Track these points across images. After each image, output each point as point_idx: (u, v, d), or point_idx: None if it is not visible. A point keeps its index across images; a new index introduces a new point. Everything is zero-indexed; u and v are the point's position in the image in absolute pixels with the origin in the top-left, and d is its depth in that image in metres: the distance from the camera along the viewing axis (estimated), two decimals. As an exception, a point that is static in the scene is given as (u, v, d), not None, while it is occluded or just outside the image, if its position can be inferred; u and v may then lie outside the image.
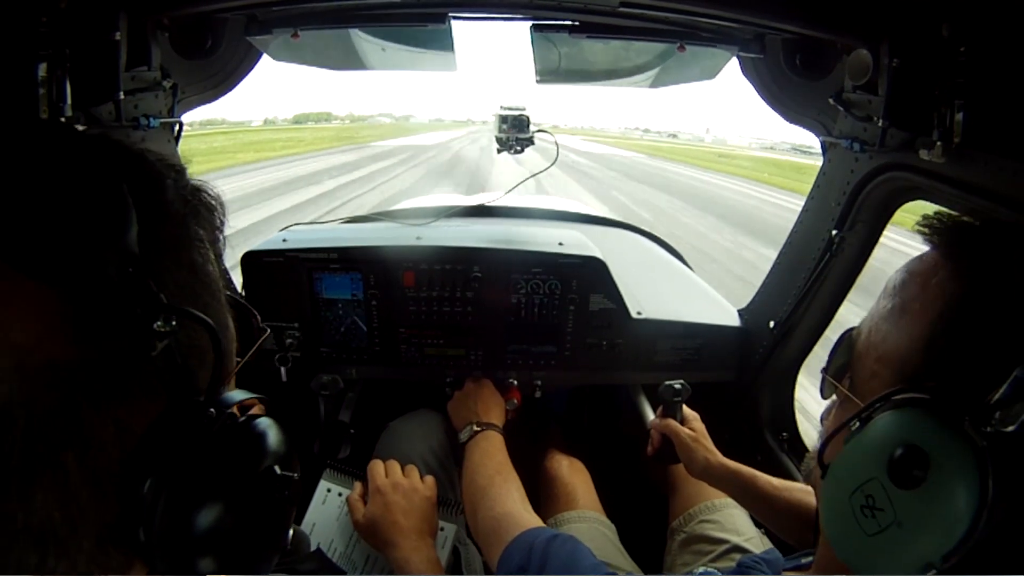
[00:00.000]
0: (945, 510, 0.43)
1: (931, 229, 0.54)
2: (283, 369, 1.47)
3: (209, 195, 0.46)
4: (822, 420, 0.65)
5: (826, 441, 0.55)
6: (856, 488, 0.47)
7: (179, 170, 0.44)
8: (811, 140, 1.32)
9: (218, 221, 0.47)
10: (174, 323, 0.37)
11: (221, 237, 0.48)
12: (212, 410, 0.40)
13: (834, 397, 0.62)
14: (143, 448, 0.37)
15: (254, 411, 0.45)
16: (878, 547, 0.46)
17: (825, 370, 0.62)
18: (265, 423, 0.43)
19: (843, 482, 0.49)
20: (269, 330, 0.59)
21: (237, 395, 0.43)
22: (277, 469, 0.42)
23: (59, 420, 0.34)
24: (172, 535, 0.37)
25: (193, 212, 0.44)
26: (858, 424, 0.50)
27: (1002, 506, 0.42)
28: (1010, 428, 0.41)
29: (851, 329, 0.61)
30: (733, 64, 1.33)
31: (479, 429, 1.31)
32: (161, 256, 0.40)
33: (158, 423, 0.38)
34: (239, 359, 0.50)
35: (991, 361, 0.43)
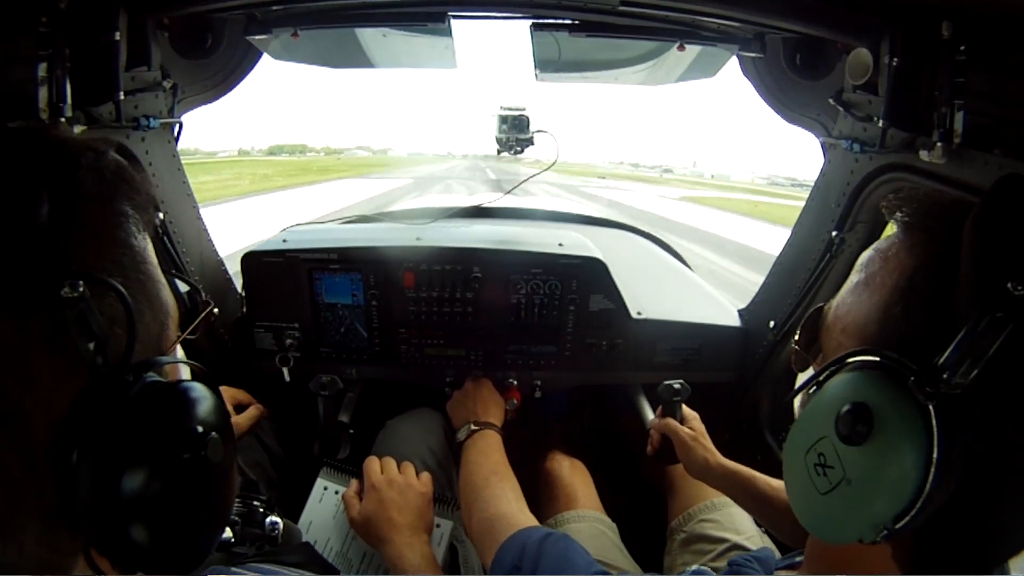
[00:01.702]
0: (892, 468, 0.44)
1: (894, 206, 0.56)
2: (285, 370, 1.48)
3: (132, 173, 0.48)
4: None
5: (790, 398, 0.58)
6: (809, 447, 0.49)
7: (99, 151, 0.46)
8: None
9: (145, 197, 0.48)
10: (82, 289, 0.37)
11: (155, 213, 0.49)
12: (130, 376, 0.40)
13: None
14: (68, 420, 0.38)
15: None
16: (831, 506, 0.47)
17: (797, 343, 0.64)
18: (188, 386, 0.44)
19: (798, 443, 0.51)
20: (213, 303, 0.60)
21: (161, 360, 0.43)
22: (199, 428, 0.42)
23: None
24: (99, 505, 0.37)
25: (113, 190, 0.45)
26: (815, 388, 0.52)
27: (952, 470, 0.43)
28: (956, 391, 0.42)
29: (821, 305, 0.63)
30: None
31: (476, 428, 1.31)
32: (77, 231, 0.41)
33: (82, 394, 0.38)
34: (193, 333, 0.52)
35: (940, 328, 0.44)
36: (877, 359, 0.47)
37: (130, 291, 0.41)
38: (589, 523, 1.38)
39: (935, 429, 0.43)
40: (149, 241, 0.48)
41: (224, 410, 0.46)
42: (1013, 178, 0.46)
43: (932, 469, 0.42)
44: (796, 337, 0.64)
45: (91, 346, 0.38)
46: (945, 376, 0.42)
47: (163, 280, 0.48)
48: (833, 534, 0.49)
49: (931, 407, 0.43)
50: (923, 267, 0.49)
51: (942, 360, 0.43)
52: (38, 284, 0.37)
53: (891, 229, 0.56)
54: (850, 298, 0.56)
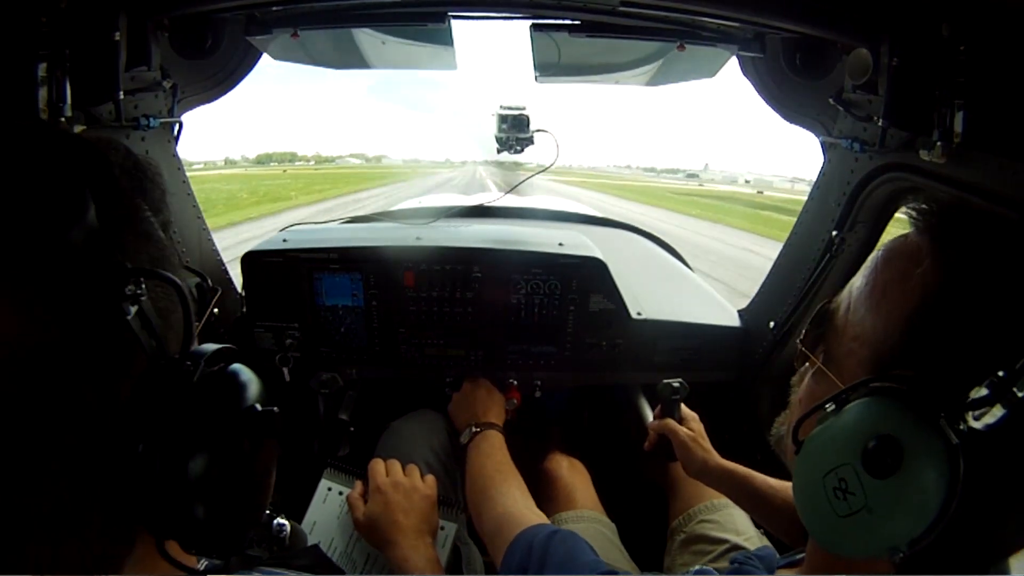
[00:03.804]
0: (914, 500, 0.44)
1: (919, 212, 0.54)
2: (285, 369, 1.47)
3: (151, 168, 0.49)
4: (792, 387, 0.66)
5: (803, 418, 0.55)
6: (829, 471, 0.48)
7: (122, 149, 0.47)
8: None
9: (159, 192, 0.49)
10: (144, 286, 0.38)
11: (165, 208, 0.50)
12: (188, 363, 0.41)
13: (807, 365, 0.63)
14: (131, 411, 0.38)
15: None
16: (847, 528, 0.47)
17: (801, 341, 0.63)
18: (237, 368, 0.45)
19: (817, 462, 0.50)
20: (220, 289, 0.62)
21: (210, 347, 0.44)
22: (258, 407, 0.44)
23: (59, 403, 0.35)
24: (170, 490, 0.38)
25: (139, 186, 0.46)
26: (833, 406, 0.50)
27: (969, 498, 0.43)
28: (983, 427, 0.42)
29: (828, 302, 0.61)
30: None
31: (478, 430, 1.31)
32: (119, 229, 0.42)
33: (140, 384, 0.39)
34: (197, 322, 0.52)
35: (968, 356, 0.44)
36: (904, 388, 0.46)
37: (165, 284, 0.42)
38: (587, 523, 1.38)
39: (961, 466, 0.43)
40: (166, 236, 0.49)
41: (267, 385, 0.48)
42: None
43: (953, 501, 0.43)
44: (802, 336, 0.63)
45: (151, 339, 0.39)
46: (973, 414, 0.42)
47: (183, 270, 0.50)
48: (847, 552, 0.48)
49: (959, 444, 0.43)
50: (952, 290, 0.47)
51: (974, 396, 0.42)
52: (100, 285, 0.37)
53: (895, 229, 0.55)
54: (865, 304, 0.54)
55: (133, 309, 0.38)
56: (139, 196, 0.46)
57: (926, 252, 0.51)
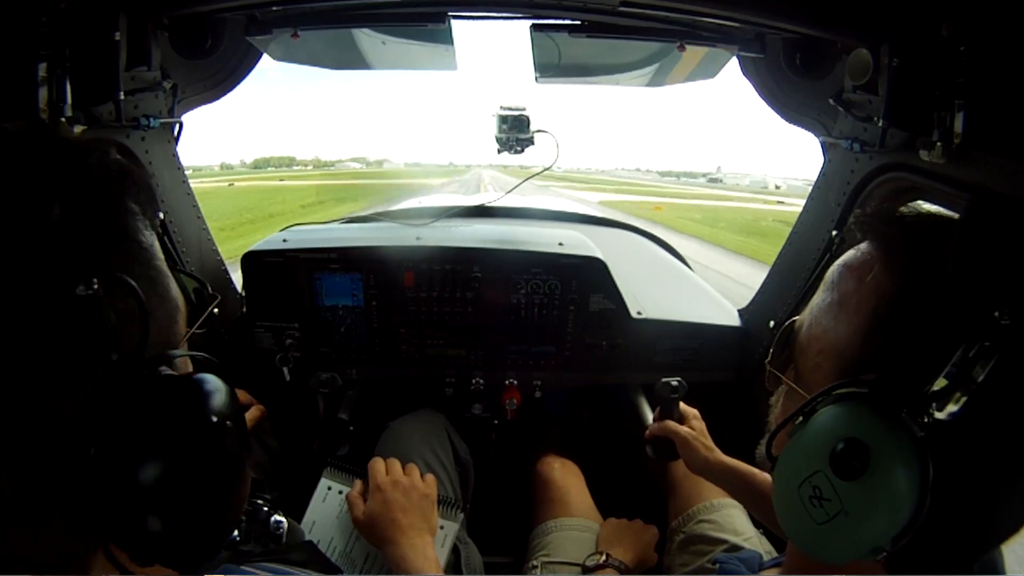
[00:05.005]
0: (888, 498, 0.45)
1: (866, 223, 0.55)
2: (285, 369, 1.47)
3: (135, 170, 0.48)
4: (771, 407, 0.66)
5: (773, 434, 0.57)
6: (803, 480, 0.49)
7: (103, 150, 0.46)
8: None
9: (148, 194, 0.48)
10: (96, 287, 0.38)
11: (158, 210, 0.50)
12: (144, 370, 0.41)
13: (782, 386, 0.63)
14: (85, 414, 0.38)
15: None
16: (828, 534, 0.47)
17: (770, 363, 0.63)
18: (202, 378, 0.44)
19: (791, 475, 0.50)
20: (220, 296, 0.60)
21: (174, 353, 0.44)
22: (213, 419, 0.42)
23: (18, 404, 0.36)
24: (116, 496, 0.38)
25: (120, 187, 0.46)
26: (801, 419, 0.51)
27: (944, 489, 0.44)
28: (948, 416, 0.43)
29: (792, 321, 0.62)
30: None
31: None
32: (89, 229, 0.41)
33: (97, 388, 0.39)
34: (202, 327, 0.53)
35: (925, 355, 0.45)
36: (866, 390, 0.47)
37: (141, 287, 0.41)
38: (578, 531, 1.38)
39: (929, 458, 0.43)
40: (155, 238, 0.48)
41: (237, 401, 0.46)
42: (987, 198, 0.46)
43: (928, 494, 0.43)
44: (769, 357, 0.63)
45: (105, 342, 0.39)
46: (935, 405, 0.43)
47: (172, 276, 0.49)
48: (835, 558, 0.49)
49: (924, 437, 0.43)
50: (904, 291, 0.49)
51: (932, 390, 0.43)
52: (54, 283, 0.37)
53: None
54: (825, 319, 0.56)
55: (86, 309, 0.37)
56: (125, 198, 0.45)
57: (876, 259, 0.52)
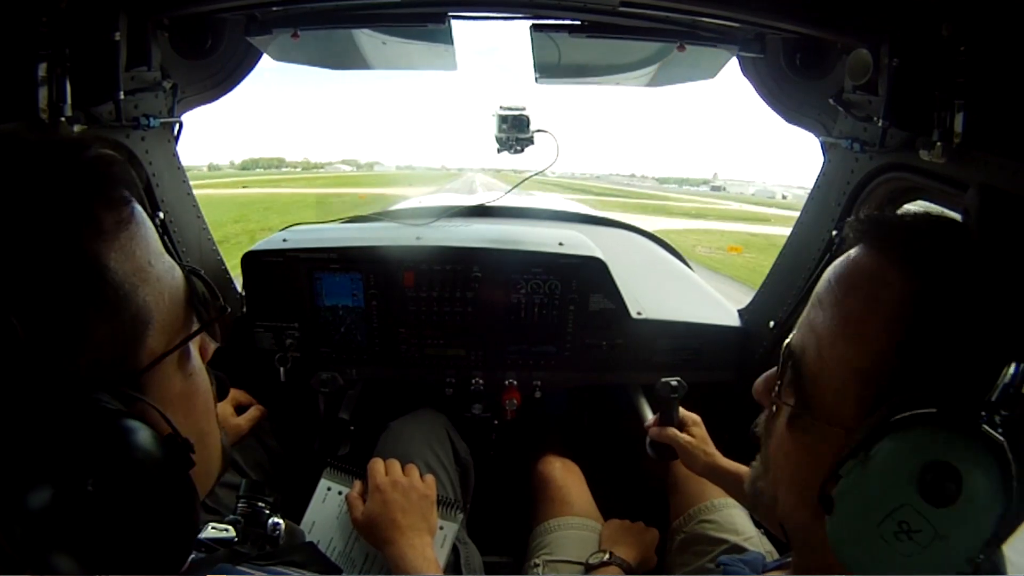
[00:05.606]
0: (984, 512, 0.44)
1: (863, 230, 0.53)
2: (282, 369, 1.47)
3: (112, 164, 0.44)
4: (758, 435, 0.63)
5: (828, 476, 0.49)
6: (884, 517, 0.46)
7: (84, 147, 0.43)
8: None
9: (122, 195, 0.44)
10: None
11: (129, 211, 0.44)
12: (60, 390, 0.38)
13: (774, 409, 0.59)
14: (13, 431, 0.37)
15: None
16: (922, 563, 0.46)
17: (777, 395, 0.58)
18: (128, 425, 0.40)
19: (865, 515, 0.46)
20: (229, 309, 0.59)
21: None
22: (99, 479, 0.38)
23: None
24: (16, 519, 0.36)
25: (86, 195, 0.42)
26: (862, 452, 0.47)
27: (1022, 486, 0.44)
28: (1008, 413, 0.43)
29: (787, 344, 0.58)
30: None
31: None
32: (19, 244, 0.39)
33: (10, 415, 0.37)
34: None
35: (971, 358, 0.45)
36: (935, 410, 0.45)
37: (77, 304, 0.39)
38: (579, 530, 1.38)
39: (1011, 460, 0.43)
40: (123, 245, 0.43)
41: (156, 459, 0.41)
42: (991, 194, 0.46)
43: (1013, 495, 0.43)
44: (776, 391, 0.58)
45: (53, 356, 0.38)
46: (1003, 409, 0.43)
47: (142, 286, 0.44)
48: None
49: (1004, 442, 0.43)
50: (929, 299, 0.47)
51: (997, 394, 0.43)
52: None
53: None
54: (840, 343, 0.51)
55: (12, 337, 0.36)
56: (78, 204, 0.42)
57: (886, 269, 0.50)
